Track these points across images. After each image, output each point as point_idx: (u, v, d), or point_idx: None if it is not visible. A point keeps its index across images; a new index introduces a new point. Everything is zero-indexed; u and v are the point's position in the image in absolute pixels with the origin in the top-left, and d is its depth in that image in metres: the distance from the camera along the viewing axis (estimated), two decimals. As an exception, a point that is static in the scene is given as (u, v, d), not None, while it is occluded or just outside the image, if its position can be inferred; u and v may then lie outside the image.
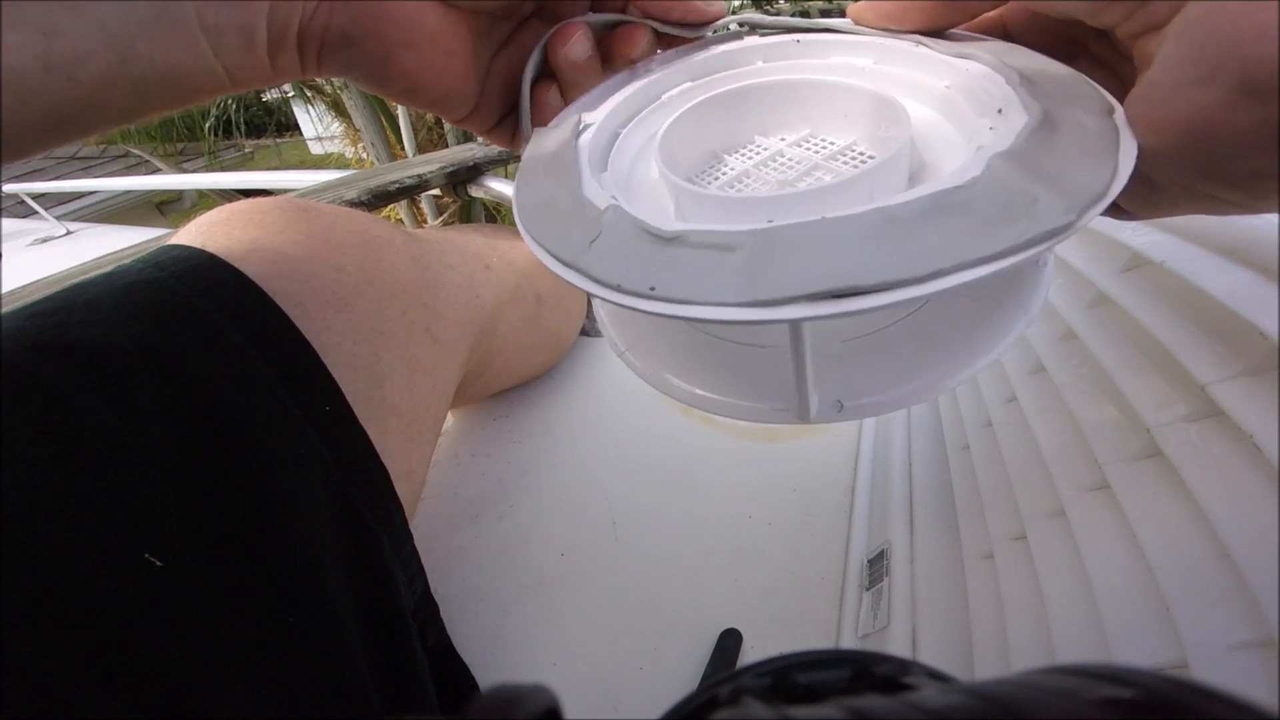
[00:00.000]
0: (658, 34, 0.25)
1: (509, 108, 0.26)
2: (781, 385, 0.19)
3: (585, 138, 0.21)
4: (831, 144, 0.21)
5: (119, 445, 0.23)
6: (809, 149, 0.21)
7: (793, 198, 0.16)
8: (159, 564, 0.22)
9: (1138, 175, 0.15)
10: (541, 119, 0.25)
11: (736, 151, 0.23)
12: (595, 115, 0.23)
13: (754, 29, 0.24)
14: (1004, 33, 0.21)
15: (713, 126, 0.22)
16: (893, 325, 0.21)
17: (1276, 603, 0.18)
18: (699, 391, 0.22)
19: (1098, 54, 0.19)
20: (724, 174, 0.22)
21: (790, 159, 0.21)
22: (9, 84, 0.17)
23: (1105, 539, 0.25)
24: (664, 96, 0.24)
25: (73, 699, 0.20)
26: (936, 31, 0.20)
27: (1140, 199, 0.17)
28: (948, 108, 0.19)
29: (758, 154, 0.22)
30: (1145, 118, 0.15)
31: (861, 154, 0.20)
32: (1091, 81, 0.16)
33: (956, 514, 0.36)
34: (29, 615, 0.20)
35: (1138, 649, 0.21)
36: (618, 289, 0.15)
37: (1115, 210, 0.17)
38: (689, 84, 0.24)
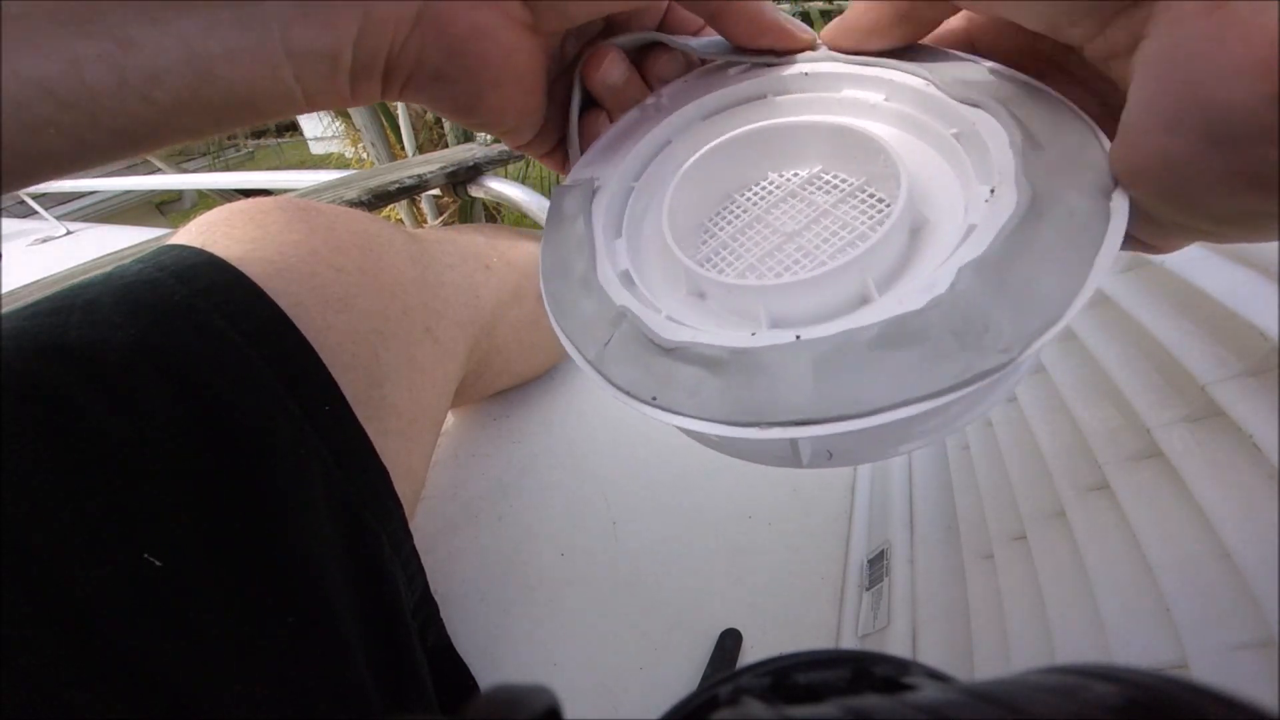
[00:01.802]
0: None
1: (564, 132, 0.25)
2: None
3: (600, 202, 0.22)
4: (845, 181, 0.21)
5: (119, 445, 0.23)
6: (821, 189, 0.21)
7: (791, 287, 0.17)
8: (159, 564, 0.22)
9: (1144, 214, 0.15)
10: (592, 141, 0.24)
11: (749, 190, 0.23)
12: (607, 173, 0.23)
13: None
14: (970, 45, 0.20)
15: (725, 170, 0.22)
16: None
17: (1276, 603, 0.18)
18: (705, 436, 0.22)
19: (1075, 72, 0.18)
20: (737, 217, 0.22)
21: (802, 201, 0.21)
22: (78, 102, 0.15)
23: (1105, 539, 0.25)
24: (674, 140, 0.24)
25: (72, 698, 0.20)
26: (905, 48, 0.20)
27: (1150, 234, 0.16)
28: (954, 157, 0.19)
29: (771, 194, 0.22)
30: (1123, 161, 0.14)
31: (871, 195, 0.20)
32: (1101, 141, 0.16)
33: (956, 514, 0.36)
34: (29, 615, 0.20)
35: (1138, 649, 0.21)
36: (628, 395, 0.17)
37: (1135, 244, 0.17)
38: (700, 124, 0.24)
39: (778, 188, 0.22)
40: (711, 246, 0.21)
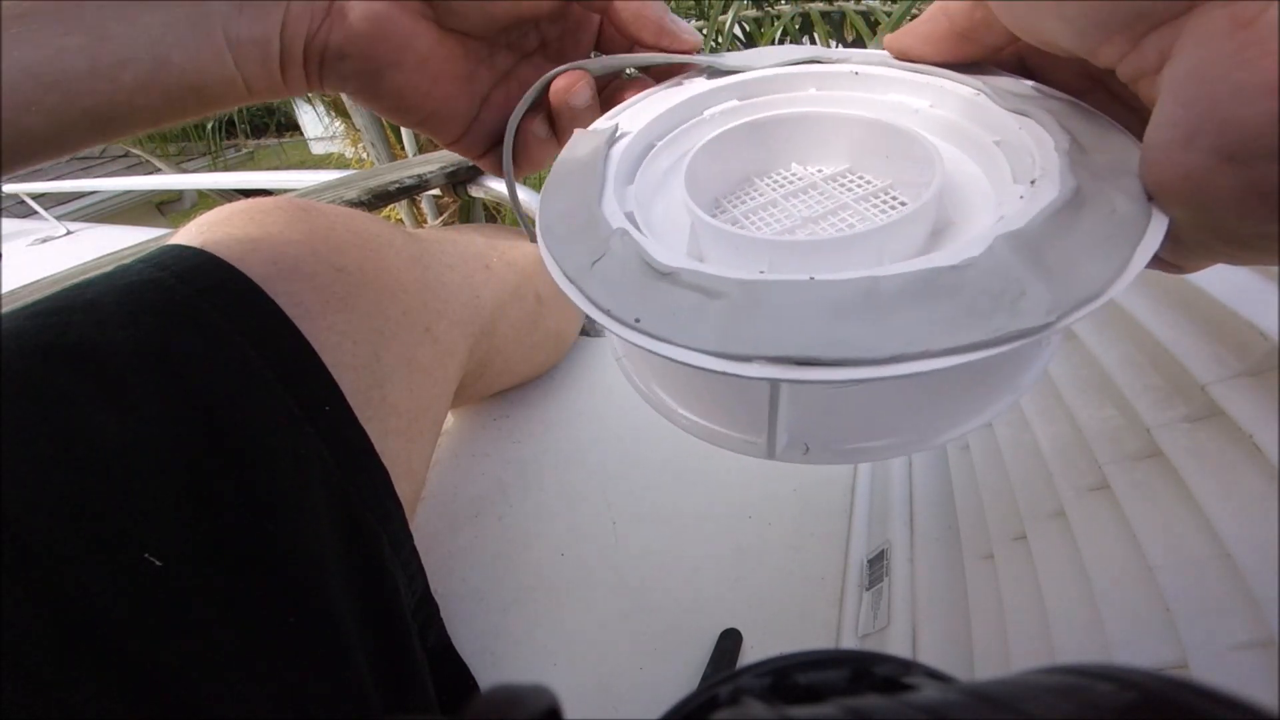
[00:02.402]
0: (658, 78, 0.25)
1: (499, 138, 0.26)
2: (759, 418, 0.19)
3: (619, 147, 0.21)
4: (868, 183, 0.21)
5: (119, 445, 0.23)
6: (843, 185, 0.21)
7: (798, 245, 0.16)
8: (159, 564, 0.22)
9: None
10: (527, 151, 0.25)
11: (770, 176, 0.22)
12: (634, 124, 0.22)
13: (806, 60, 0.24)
14: (1020, 64, 0.20)
15: (750, 149, 0.22)
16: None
17: (1276, 603, 0.18)
18: (680, 410, 0.22)
19: (1116, 91, 0.19)
20: (753, 199, 0.21)
21: (822, 194, 0.21)
22: (59, 83, 0.19)
23: (1105, 539, 0.25)
24: (707, 112, 0.23)
25: (72, 698, 0.20)
26: (959, 65, 0.20)
27: (1176, 253, 0.16)
28: (991, 164, 0.18)
29: (791, 183, 0.22)
30: (1146, 178, 0.15)
31: (894, 198, 0.20)
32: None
33: (956, 514, 0.36)
34: (28, 615, 0.20)
35: (1138, 649, 0.21)
36: (608, 314, 0.15)
37: (1160, 263, 0.17)
38: (736, 102, 0.23)
39: (800, 177, 0.22)
40: (724, 219, 0.21)
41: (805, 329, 0.13)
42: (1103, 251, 0.14)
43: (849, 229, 0.19)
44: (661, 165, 0.22)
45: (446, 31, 0.24)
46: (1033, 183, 0.16)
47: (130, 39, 0.20)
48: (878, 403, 0.19)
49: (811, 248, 0.17)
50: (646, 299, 0.15)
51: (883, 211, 0.19)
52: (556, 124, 0.26)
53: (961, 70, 0.20)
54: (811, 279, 0.14)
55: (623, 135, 0.22)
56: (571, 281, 0.16)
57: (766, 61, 0.24)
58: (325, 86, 0.24)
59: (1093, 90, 0.19)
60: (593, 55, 0.27)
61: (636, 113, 0.23)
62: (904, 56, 0.22)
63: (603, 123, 0.23)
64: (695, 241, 0.20)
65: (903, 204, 0.20)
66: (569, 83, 0.24)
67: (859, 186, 0.21)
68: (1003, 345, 0.13)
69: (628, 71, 0.26)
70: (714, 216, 0.20)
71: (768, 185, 0.22)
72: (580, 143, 0.22)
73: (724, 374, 0.13)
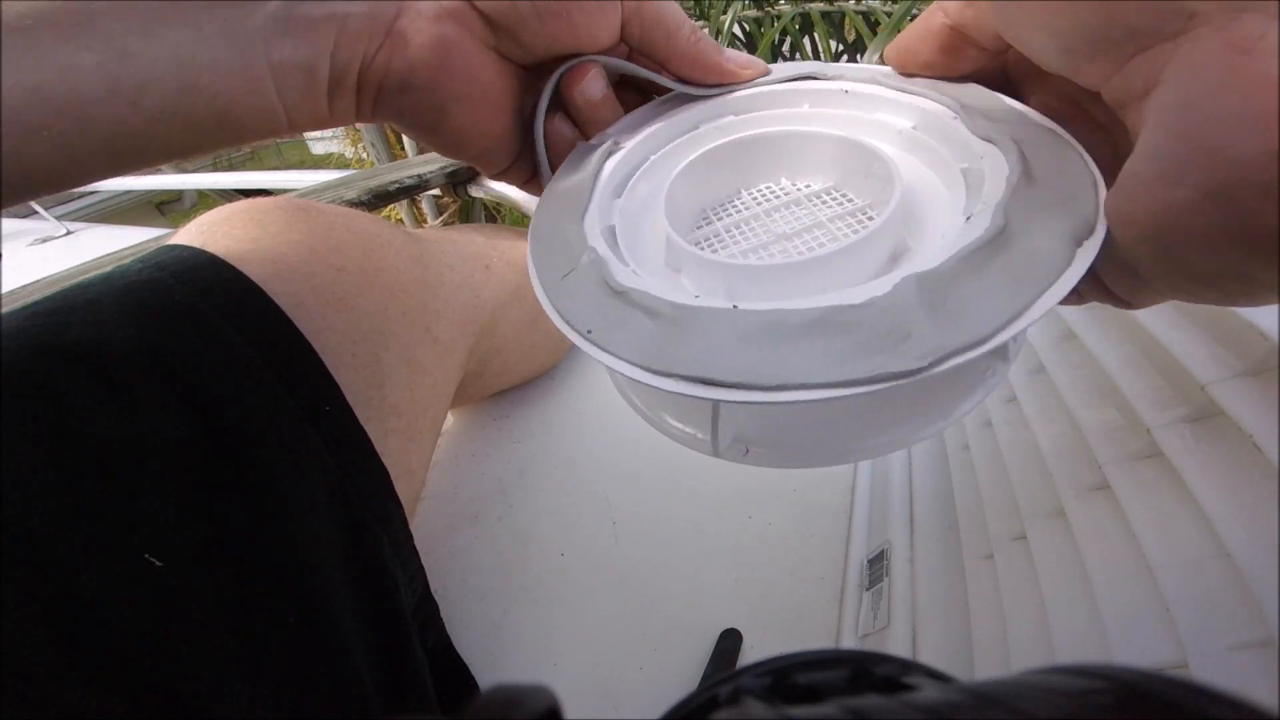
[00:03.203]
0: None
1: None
2: (707, 419, 0.20)
3: (612, 161, 0.22)
4: (848, 201, 0.22)
5: (118, 445, 0.23)
6: (824, 203, 0.22)
7: (756, 270, 0.18)
8: (159, 564, 0.22)
9: (1122, 266, 0.15)
10: (559, 153, 0.25)
11: (757, 189, 0.23)
12: (631, 138, 0.23)
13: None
14: (1005, 78, 0.20)
15: (738, 165, 0.23)
16: None
17: (1276, 603, 0.18)
18: (635, 400, 0.23)
19: (1099, 117, 0.18)
20: (737, 212, 0.22)
21: (802, 210, 0.22)
22: (70, 107, 0.16)
23: (1105, 539, 0.25)
24: (702, 127, 0.24)
25: (71, 698, 0.20)
26: (952, 78, 0.20)
27: (1127, 288, 0.16)
28: (956, 190, 0.19)
29: (775, 198, 0.22)
30: (1117, 209, 0.14)
31: (871, 217, 0.20)
32: (1099, 190, 0.15)
33: (956, 514, 0.36)
34: (28, 615, 0.20)
35: (1138, 649, 0.21)
36: (568, 324, 0.17)
37: (1108, 295, 0.17)
38: (732, 118, 0.24)
39: (786, 193, 0.23)
40: (704, 232, 0.22)
41: (715, 353, 0.15)
42: (1006, 294, 0.14)
43: (819, 248, 0.20)
44: (654, 179, 0.23)
45: (504, 60, 0.23)
46: (968, 218, 0.16)
47: (154, 58, 0.17)
48: (803, 418, 0.20)
49: (772, 272, 0.18)
50: (601, 313, 0.17)
51: (854, 230, 0.20)
52: (579, 121, 0.25)
53: (951, 84, 0.20)
54: (735, 307, 0.16)
55: (618, 148, 0.23)
56: (544, 290, 0.18)
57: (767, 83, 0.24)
58: (377, 117, 0.22)
59: (1077, 116, 0.18)
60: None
61: (637, 124, 0.24)
62: (904, 59, 0.22)
63: (603, 137, 0.24)
64: (672, 251, 0.20)
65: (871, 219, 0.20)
66: (579, 76, 0.23)
67: (838, 204, 0.21)
68: (877, 384, 0.13)
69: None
70: (697, 227, 0.22)
71: (753, 199, 0.23)
72: (577, 156, 0.23)
73: (647, 385, 0.15)
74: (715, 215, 0.23)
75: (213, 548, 0.24)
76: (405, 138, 2.24)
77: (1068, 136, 0.17)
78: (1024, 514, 0.30)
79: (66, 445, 0.22)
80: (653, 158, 0.23)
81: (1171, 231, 0.13)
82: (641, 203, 0.22)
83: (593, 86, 0.23)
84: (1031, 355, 0.35)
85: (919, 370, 0.13)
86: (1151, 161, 0.13)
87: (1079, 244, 0.14)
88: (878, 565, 0.39)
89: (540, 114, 0.24)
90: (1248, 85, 0.11)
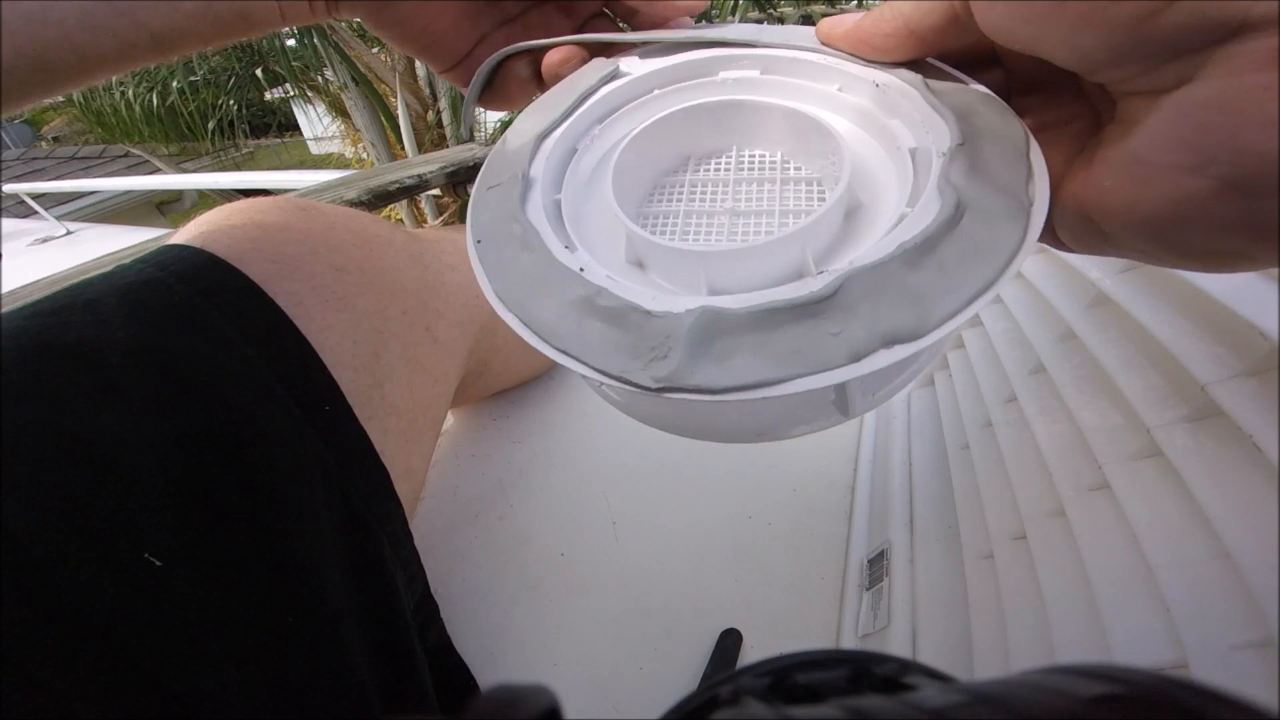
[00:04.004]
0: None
1: (493, 76, 0.27)
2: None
3: (542, 156, 0.21)
4: (797, 170, 0.21)
5: (118, 445, 0.23)
6: (770, 172, 0.21)
7: (729, 254, 0.17)
8: (159, 564, 0.22)
9: (1093, 229, 0.15)
10: (506, 89, 0.26)
11: (702, 165, 0.23)
12: (553, 126, 0.22)
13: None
14: (990, 49, 0.20)
15: (679, 140, 0.22)
16: None
17: (1276, 603, 0.18)
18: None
19: (1087, 90, 0.18)
20: (684, 191, 0.22)
21: (748, 184, 0.21)
22: (130, 9, 0.21)
23: (1105, 539, 0.25)
24: (655, 90, 0.23)
25: (71, 698, 0.20)
26: (912, 62, 0.20)
27: (1086, 244, 0.16)
28: (903, 171, 0.19)
29: (722, 171, 0.22)
30: (1123, 191, 0.14)
31: (819, 185, 0.20)
32: (1041, 173, 0.16)
33: (956, 514, 0.36)
34: (28, 615, 0.20)
35: (1138, 649, 0.21)
36: (541, 339, 0.17)
37: (1054, 240, 0.17)
38: (682, 84, 0.23)
39: (729, 166, 0.22)
40: (655, 215, 0.21)
41: (666, 366, 0.15)
42: (957, 281, 0.14)
43: (775, 217, 0.20)
44: (588, 166, 0.22)
45: None
46: (905, 214, 0.16)
47: None
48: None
49: (745, 255, 0.17)
50: (578, 329, 0.17)
51: (805, 197, 0.20)
52: (545, 77, 0.25)
53: (905, 68, 0.20)
54: (685, 311, 0.16)
55: (544, 144, 0.22)
56: (509, 312, 0.18)
57: (734, 35, 0.23)
58: (342, 13, 0.26)
59: (1060, 85, 0.18)
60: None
61: (557, 104, 0.23)
62: (848, 52, 0.21)
63: (525, 118, 0.23)
64: (634, 245, 0.20)
65: (824, 189, 0.20)
66: (563, 60, 0.24)
67: (787, 173, 0.21)
68: (817, 378, 0.14)
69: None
70: (646, 214, 0.21)
71: (699, 175, 0.22)
72: (511, 139, 0.22)
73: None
74: (661, 197, 0.22)
75: (212, 547, 0.24)
76: (405, 138, 2.25)
77: (1014, 117, 0.17)
78: (1024, 514, 0.30)
79: (66, 445, 0.22)
80: (580, 146, 0.22)
81: (1185, 218, 0.13)
82: (581, 196, 0.22)
83: (567, 69, 0.24)
84: (1031, 355, 0.35)
85: (829, 368, 0.14)
86: (1167, 151, 0.13)
87: (1024, 229, 0.15)
88: (878, 565, 0.39)
89: (471, 99, 0.27)
90: None
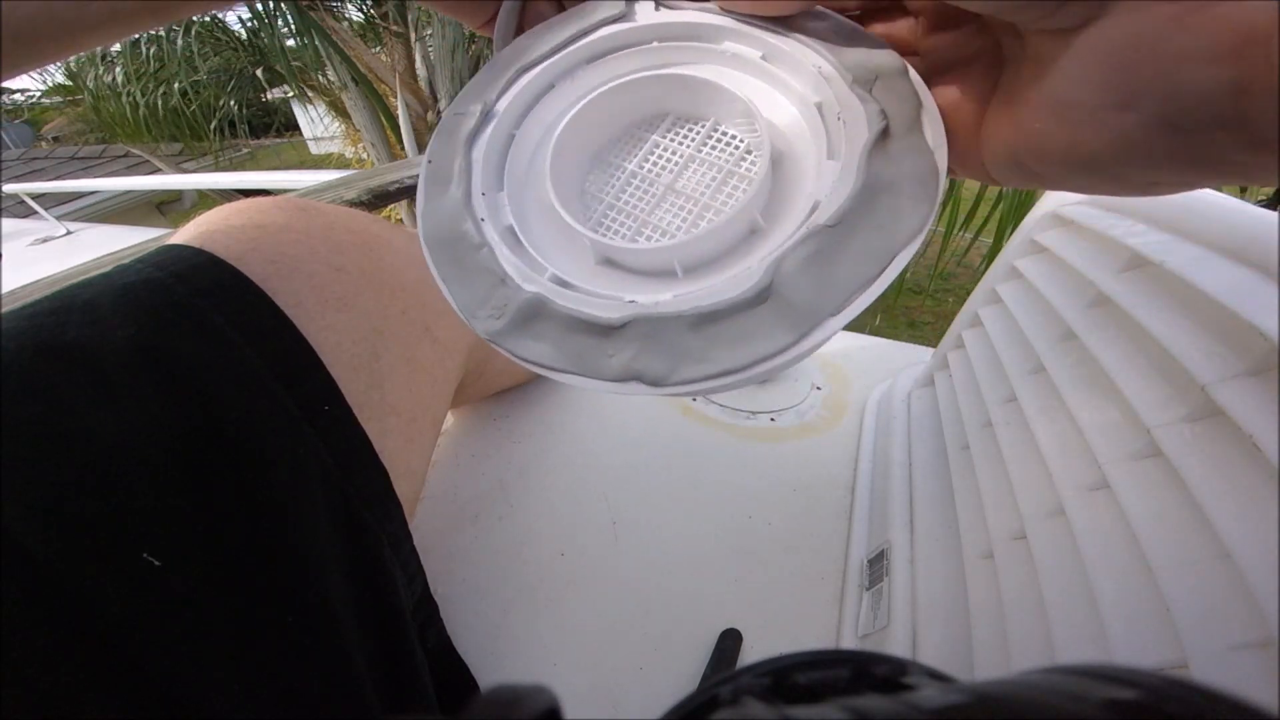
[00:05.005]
0: None
1: (520, 21, 0.25)
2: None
3: (479, 150, 0.22)
4: (698, 127, 0.22)
5: (117, 445, 0.23)
6: (678, 139, 0.22)
7: (696, 240, 0.19)
8: (158, 564, 0.22)
9: (1024, 169, 0.16)
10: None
11: (617, 147, 0.23)
12: (488, 112, 0.22)
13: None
14: None
15: (596, 126, 0.22)
16: None
17: (1276, 603, 0.18)
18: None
19: (992, 26, 0.18)
20: (614, 177, 0.22)
21: (666, 154, 0.22)
22: None
23: (1105, 539, 0.25)
24: (557, 85, 0.23)
25: (71, 698, 0.20)
26: (802, 14, 0.20)
27: (1017, 180, 0.17)
28: (815, 126, 0.19)
29: (636, 149, 0.22)
30: (1059, 135, 0.15)
31: (724, 133, 0.21)
32: (942, 140, 0.17)
33: (956, 514, 0.36)
34: (27, 615, 0.20)
35: (1138, 649, 0.21)
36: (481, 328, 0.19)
37: (986, 177, 0.18)
38: (584, 67, 0.23)
39: (640, 143, 0.22)
40: (600, 210, 0.21)
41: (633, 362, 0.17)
42: (868, 258, 0.16)
43: (708, 178, 0.20)
44: (524, 160, 0.22)
45: None
46: (822, 202, 0.17)
47: None
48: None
49: (709, 236, 0.18)
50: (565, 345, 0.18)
51: (722, 150, 0.21)
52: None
53: (801, 25, 0.20)
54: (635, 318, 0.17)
55: (479, 133, 0.22)
56: (463, 314, 0.19)
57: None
58: None
59: (962, 24, 0.18)
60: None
61: (488, 87, 0.23)
62: (739, 12, 0.21)
63: (462, 103, 0.23)
64: (602, 250, 0.20)
65: (732, 135, 0.21)
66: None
67: (693, 134, 0.22)
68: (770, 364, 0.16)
69: None
70: (590, 209, 0.22)
71: (618, 158, 0.22)
72: (445, 142, 0.22)
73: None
74: (595, 188, 0.22)
75: (211, 548, 0.24)
76: (405, 138, 2.25)
77: (914, 77, 0.18)
78: (1024, 514, 0.30)
79: (64, 445, 0.22)
80: (516, 134, 0.22)
81: (1121, 155, 0.14)
82: (521, 180, 0.22)
83: (547, 13, 0.23)
84: (1031, 355, 0.35)
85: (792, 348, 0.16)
86: (1094, 91, 0.14)
87: (933, 203, 0.16)
88: (878, 565, 0.39)
89: (499, 47, 0.25)
90: (1195, 21, 0.12)
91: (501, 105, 0.22)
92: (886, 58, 0.19)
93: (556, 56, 0.23)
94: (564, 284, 0.19)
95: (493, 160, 0.22)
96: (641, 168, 0.22)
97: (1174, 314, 0.26)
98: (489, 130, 0.22)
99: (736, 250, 0.19)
